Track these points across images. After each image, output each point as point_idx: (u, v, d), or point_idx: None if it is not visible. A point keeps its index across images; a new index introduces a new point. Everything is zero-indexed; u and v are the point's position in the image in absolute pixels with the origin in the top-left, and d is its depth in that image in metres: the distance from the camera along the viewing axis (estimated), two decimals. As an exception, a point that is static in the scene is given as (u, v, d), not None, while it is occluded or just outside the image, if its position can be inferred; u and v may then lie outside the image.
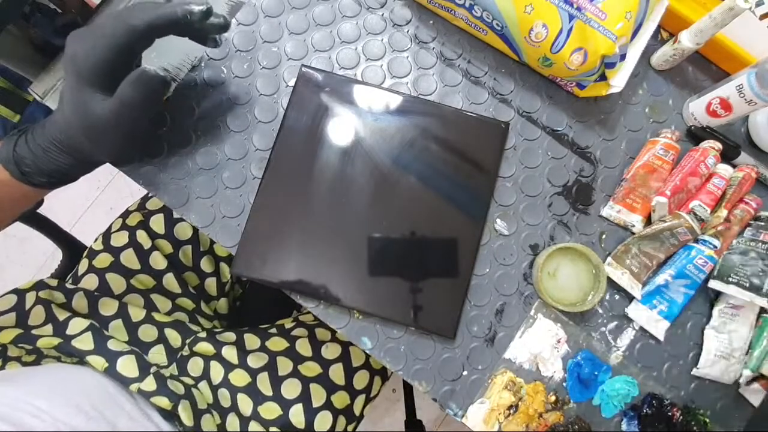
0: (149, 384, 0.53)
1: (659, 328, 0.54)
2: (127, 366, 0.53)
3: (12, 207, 0.47)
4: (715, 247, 0.53)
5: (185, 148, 0.56)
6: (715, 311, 0.54)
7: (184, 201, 0.55)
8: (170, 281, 0.64)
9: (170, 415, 0.54)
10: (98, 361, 0.53)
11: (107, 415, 0.49)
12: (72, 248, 0.77)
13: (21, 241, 1.38)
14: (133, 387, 0.52)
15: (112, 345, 0.54)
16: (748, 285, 0.50)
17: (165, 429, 0.54)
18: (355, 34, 0.59)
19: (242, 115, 0.57)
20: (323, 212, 0.54)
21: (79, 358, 0.54)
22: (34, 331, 0.55)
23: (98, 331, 0.55)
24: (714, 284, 0.53)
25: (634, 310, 0.54)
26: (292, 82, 0.57)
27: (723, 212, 0.54)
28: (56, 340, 0.54)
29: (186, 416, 0.53)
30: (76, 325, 0.55)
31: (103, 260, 0.61)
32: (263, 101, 0.57)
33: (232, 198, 0.55)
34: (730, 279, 0.52)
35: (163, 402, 0.52)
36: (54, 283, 0.60)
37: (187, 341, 0.61)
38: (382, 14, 0.60)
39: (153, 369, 0.55)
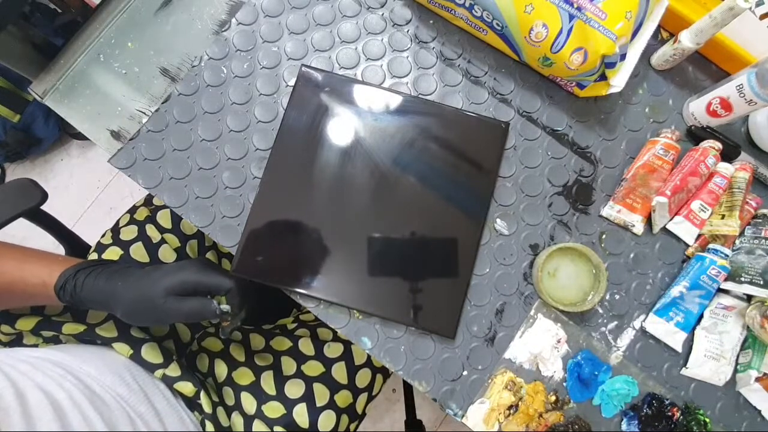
0: (174, 370, 0.54)
1: (677, 339, 0.54)
2: (152, 352, 0.54)
3: (34, 302, 0.55)
4: (726, 256, 0.53)
5: (185, 148, 0.56)
6: (707, 312, 0.54)
7: (183, 201, 0.55)
8: None
9: (190, 403, 0.56)
10: (123, 348, 0.54)
11: (145, 390, 0.51)
12: (74, 245, 0.77)
13: (21, 241, 1.36)
14: (158, 373, 0.53)
15: (135, 332, 0.56)
16: (762, 282, 0.50)
17: (190, 414, 0.56)
18: (355, 34, 0.59)
19: (242, 115, 0.57)
20: (323, 212, 0.54)
21: (104, 345, 0.55)
22: (54, 318, 0.55)
23: (119, 319, 0.56)
24: (727, 285, 0.53)
25: (651, 323, 0.54)
26: (292, 82, 0.57)
27: (736, 222, 0.53)
28: (81, 327, 0.55)
29: (206, 403, 0.54)
30: (96, 313, 0.57)
31: (113, 254, 0.62)
32: (263, 101, 0.57)
33: (232, 198, 0.55)
34: (743, 279, 0.52)
35: (188, 387, 0.54)
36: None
37: (197, 336, 0.61)
38: (382, 14, 0.60)
39: (175, 357, 0.56)
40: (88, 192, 1.41)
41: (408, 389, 0.91)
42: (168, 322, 0.56)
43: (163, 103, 0.57)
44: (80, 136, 1.42)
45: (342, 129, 0.55)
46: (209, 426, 0.54)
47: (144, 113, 0.58)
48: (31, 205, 0.62)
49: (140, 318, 0.48)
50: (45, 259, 0.50)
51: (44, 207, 0.65)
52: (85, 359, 0.50)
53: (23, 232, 0.71)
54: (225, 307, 0.48)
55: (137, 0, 0.61)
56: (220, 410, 0.57)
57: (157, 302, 0.46)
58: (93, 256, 0.63)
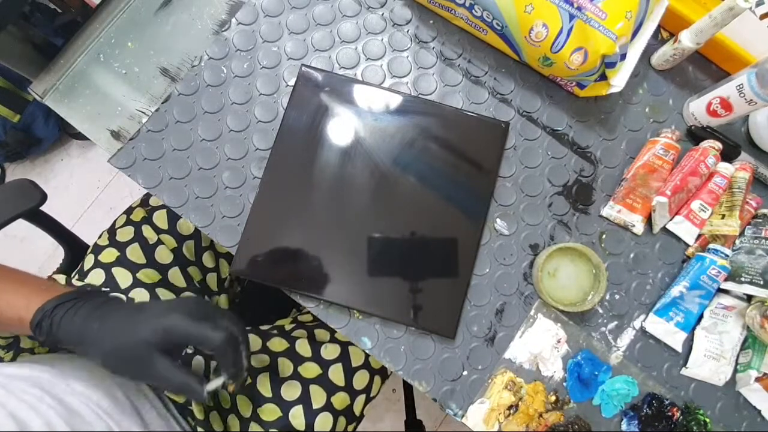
0: None
1: (677, 339, 0.54)
2: None
3: (11, 333, 0.51)
4: (726, 256, 0.53)
5: (185, 148, 0.56)
6: (707, 312, 0.54)
7: (183, 201, 0.55)
8: (175, 275, 0.64)
9: (183, 409, 0.55)
10: None
11: (133, 401, 0.50)
12: (74, 246, 0.77)
13: (21, 240, 1.37)
14: None
15: None
16: (762, 282, 0.50)
17: (181, 422, 0.55)
18: (355, 34, 0.59)
19: (242, 115, 0.57)
20: (323, 212, 0.54)
21: None
22: None
23: None
24: (727, 285, 0.52)
25: (651, 323, 0.54)
26: (292, 82, 0.57)
27: (736, 222, 0.53)
28: None
29: (198, 410, 0.54)
30: None
31: (109, 255, 0.62)
32: (263, 101, 0.57)
33: (232, 198, 0.55)
34: (743, 279, 0.52)
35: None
36: (62, 279, 0.60)
37: None
38: (382, 14, 0.60)
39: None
40: (88, 192, 1.41)
41: (408, 389, 0.91)
42: (151, 383, 0.51)
43: (163, 103, 0.57)
44: (80, 136, 1.42)
45: (342, 129, 0.55)
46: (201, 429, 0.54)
47: (144, 113, 0.58)
48: (31, 206, 0.61)
49: (120, 369, 0.42)
50: (25, 287, 0.45)
51: (44, 207, 0.64)
52: (70, 372, 0.48)
53: (23, 232, 0.71)
54: (213, 385, 0.42)
55: (137, 0, 0.61)
56: (214, 415, 0.57)
57: (140, 354, 0.41)
58: (90, 257, 0.63)
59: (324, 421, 0.58)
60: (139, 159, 0.56)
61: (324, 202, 0.54)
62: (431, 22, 0.60)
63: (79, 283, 0.60)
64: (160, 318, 0.42)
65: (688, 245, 0.56)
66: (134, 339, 0.41)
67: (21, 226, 0.65)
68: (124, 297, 0.59)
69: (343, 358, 0.62)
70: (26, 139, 1.32)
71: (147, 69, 0.59)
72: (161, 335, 0.41)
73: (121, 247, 0.62)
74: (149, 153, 0.56)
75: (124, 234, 0.63)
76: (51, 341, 0.42)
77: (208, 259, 0.68)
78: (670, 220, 0.56)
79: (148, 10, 0.60)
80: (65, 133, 1.42)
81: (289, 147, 0.55)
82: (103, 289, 0.60)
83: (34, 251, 1.36)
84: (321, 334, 0.64)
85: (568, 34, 0.49)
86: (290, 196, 0.54)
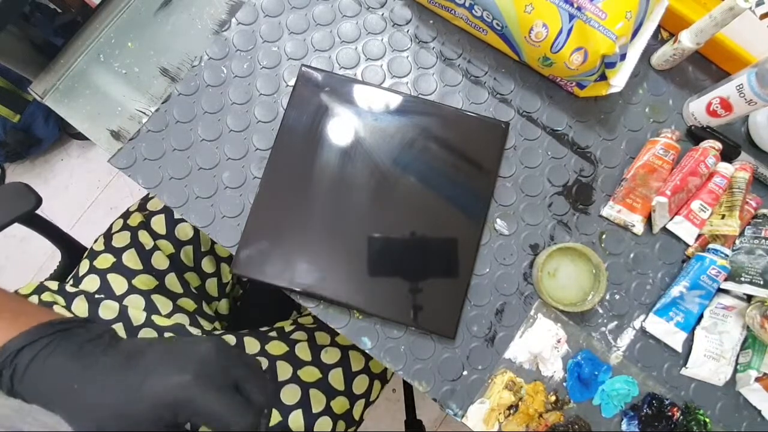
0: None
1: (677, 339, 0.54)
2: None
3: None
4: (726, 256, 0.53)
5: (185, 148, 0.56)
6: (707, 312, 0.54)
7: (183, 201, 0.55)
8: (172, 281, 0.64)
9: None
10: None
11: None
12: (71, 249, 0.77)
13: (20, 241, 1.37)
14: None
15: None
16: (762, 282, 0.50)
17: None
18: (355, 34, 0.59)
19: (242, 115, 0.57)
20: (323, 212, 0.54)
21: None
22: None
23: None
24: (727, 285, 0.52)
25: (651, 323, 0.54)
26: (292, 82, 0.57)
27: (736, 222, 0.53)
28: None
29: None
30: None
31: (105, 261, 0.61)
32: (263, 101, 0.57)
33: (232, 198, 0.55)
34: (743, 279, 0.52)
35: None
36: (54, 286, 0.60)
37: None
38: (382, 14, 0.60)
39: None
40: (88, 192, 1.41)
41: (408, 389, 0.91)
42: None
43: (163, 103, 0.57)
44: (80, 136, 1.42)
45: (342, 129, 0.55)
46: None
47: (144, 113, 0.58)
48: (25, 210, 0.60)
49: None
50: None
51: (44, 207, 0.64)
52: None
53: (23, 232, 0.71)
54: None
55: (137, 0, 0.61)
56: None
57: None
58: (85, 263, 0.63)
59: (323, 425, 0.58)
60: (139, 159, 0.56)
61: (324, 201, 0.54)
62: (431, 22, 0.60)
63: (73, 290, 0.59)
64: (166, 386, 0.32)
65: (688, 245, 0.56)
66: (130, 419, 0.31)
67: (21, 226, 0.65)
68: (113, 327, 0.53)
69: (344, 362, 0.62)
70: (26, 139, 1.32)
71: (147, 69, 0.59)
72: (165, 410, 0.31)
73: (117, 252, 0.62)
74: (149, 153, 0.56)
75: (120, 239, 0.63)
76: (14, 396, 0.33)
77: (207, 265, 0.67)
78: (670, 220, 0.56)
79: (148, 10, 0.60)
80: (65, 133, 1.42)
81: (289, 147, 0.55)
82: (96, 296, 0.58)
83: (33, 252, 1.36)
84: (321, 337, 0.64)
85: (568, 34, 0.49)
86: (290, 195, 0.54)
